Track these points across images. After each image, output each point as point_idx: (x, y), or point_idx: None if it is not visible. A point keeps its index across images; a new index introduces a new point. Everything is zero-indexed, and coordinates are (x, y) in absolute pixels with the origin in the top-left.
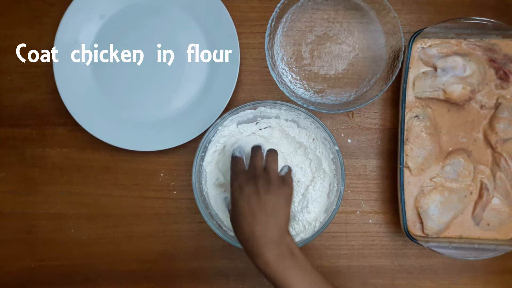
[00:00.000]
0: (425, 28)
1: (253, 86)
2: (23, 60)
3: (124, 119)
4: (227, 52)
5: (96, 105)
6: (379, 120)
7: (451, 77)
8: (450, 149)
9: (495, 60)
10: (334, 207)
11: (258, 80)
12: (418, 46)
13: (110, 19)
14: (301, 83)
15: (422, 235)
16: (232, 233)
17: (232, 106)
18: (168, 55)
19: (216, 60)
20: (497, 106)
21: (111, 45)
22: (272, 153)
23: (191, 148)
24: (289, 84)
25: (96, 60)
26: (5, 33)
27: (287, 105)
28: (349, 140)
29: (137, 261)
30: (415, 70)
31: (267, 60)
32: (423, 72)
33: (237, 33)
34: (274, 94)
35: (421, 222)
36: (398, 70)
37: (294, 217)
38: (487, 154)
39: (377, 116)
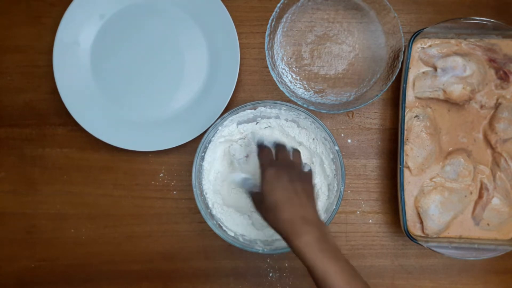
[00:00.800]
0: (425, 28)
1: (253, 86)
2: (23, 60)
3: (124, 119)
4: (227, 52)
5: (96, 105)
6: (379, 120)
7: (451, 77)
8: (450, 149)
9: (495, 60)
10: (334, 207)
11: (258, 80)
12: (418, 46)
13: (110, 19)
14: (301, 83)
15: (422, 235)
16: (232, 233)
17: (232, 106)
18: (168, 55)
19: (216, 60)
20: (497, 106)
21: (111, 45)
22: (297, 151)
23: (191, 148)
24: (289, 84)
25: (96, 60)
26: (5, 33)
27: (287, 105)
28: (349, 140)
29: (137, 261)
30: (415, 70)
31: (267, 60)
32: (423, 72)
33: (237, 33)
34: (274, 94)
35: (421, 222)
36: (398, 70)
37: None
38: (487, 154)
39: (377, 116)
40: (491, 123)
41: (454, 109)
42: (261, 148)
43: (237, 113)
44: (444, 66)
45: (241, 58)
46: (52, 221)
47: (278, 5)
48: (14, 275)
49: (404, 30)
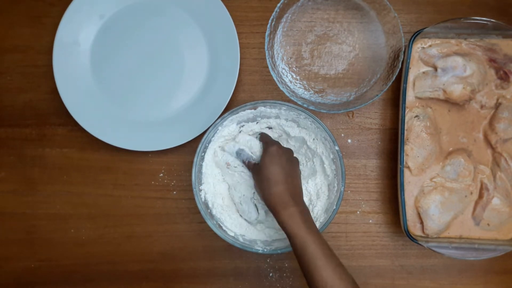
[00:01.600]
0: (425, 28)
1: (253, 86)
2: (23, 60)
3: (124, 119)
4: (227, 52)
5: (96, 105)
6: (379, 120)
7: (451, 77)
8: (450, 149)
9: (495, 60)
10: (334, 207)
11: (258, 80)
12: (418, 46)
13: (110, 19)
14: (301, 83)
15: (422, 235)
16: (231, 233)
17: (232, 106)
18: (168, 55)
19: (216, 60)
20: (497, 106)
21: (111, 45)
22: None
23: (191, 148)
24: (289, 84)
25: (95, 60)
26: (5, 33)
27: (287, 105)
28: (349, 140)
29: (137, 261)
30: (415, 70)
31: (267, 60)
32: (423, 72)
33: (237, 33)
34: (274, 94)
35: (421, 222)
36: (398, 70)
37: None
38: (487, 154)
39: (377, 116)
40: (491, 123)
41: (455, 109)
42: (262, 133)
43: (237, 113)
44: (444, 66)
45: (241, 58)
46: (52, 221)
47: (278, 5)
48: (13, 275)
49: (404, 30)
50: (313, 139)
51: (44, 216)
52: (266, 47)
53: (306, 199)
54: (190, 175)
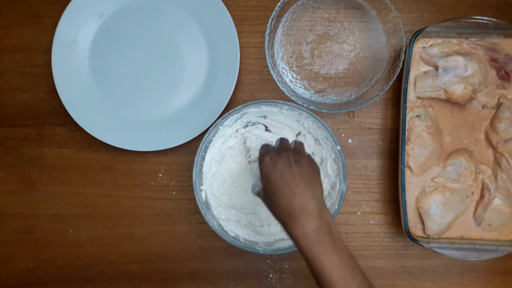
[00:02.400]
0: (426, 27)
1: (253, 86)
2: (22, 60)
3: (124, 119)
4: (227, 51)
5: (95, 105)
6: (380, 120)
7: (452, 77)
8: (452, 149)
9: (497, 59)
10: (336, 207)
11: (258, 79)
12: (419, 46)
13: (109, 18)
14: (302, 82)
15: (423, 235)
16: (232, 234)
17: (232, 106)
18: (168, 55)
19: (216, 59)
20: (498, 106)
21: (110, 45)
22: (299, 141)
23: (190, 148)
24: (289, 83)
25: (94, 60)
26: (4, 33)
27: (289, 105)
28: (350, 140)
29: (136, 262)
30: (416, 69)
31: (267, 60)
32: (424, 72)
33: (237, 32)
34: (274, 94)
35: (422, 223)
36: (399, 69)
37: None
38: (489, 154)
39: (378, 116)
40: (492, 123)
41: (456, 109)
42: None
43: (238, 112)
44: (446, 66)
45: (241, 58)
46: (51, 222)
47: (279, 4)
48: (13, 275)
49: (405, 29)
50: (315, 139)
51: (43, 216)
52: (266, 46)
53: None
54: (190, 176)
